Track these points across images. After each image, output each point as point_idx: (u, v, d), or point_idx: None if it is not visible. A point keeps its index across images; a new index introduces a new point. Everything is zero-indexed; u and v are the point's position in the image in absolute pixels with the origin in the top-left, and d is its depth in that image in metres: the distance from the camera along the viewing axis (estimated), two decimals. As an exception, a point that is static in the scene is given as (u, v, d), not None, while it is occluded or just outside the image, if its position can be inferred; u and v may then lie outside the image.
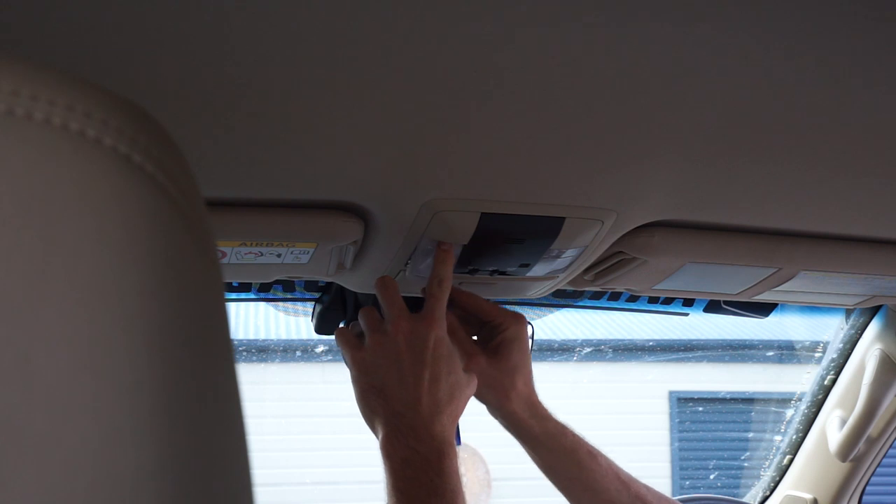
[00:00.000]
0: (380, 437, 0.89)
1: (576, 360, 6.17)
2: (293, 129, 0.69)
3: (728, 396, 6.36)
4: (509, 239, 0.90)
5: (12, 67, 0.23)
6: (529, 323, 1.06)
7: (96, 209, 0.23)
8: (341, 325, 1.02)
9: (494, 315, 1.03)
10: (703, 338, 6.24)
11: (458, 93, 0.64)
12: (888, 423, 1.48)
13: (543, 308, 1.50)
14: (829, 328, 1.57)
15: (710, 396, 6.36)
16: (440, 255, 0.92)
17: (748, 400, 6.26)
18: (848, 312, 1.52)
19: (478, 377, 0.97)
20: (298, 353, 6.09)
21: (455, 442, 0.90)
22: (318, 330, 1.26)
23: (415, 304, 0.96)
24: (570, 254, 0.95)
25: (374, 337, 0.92)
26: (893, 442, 1.52)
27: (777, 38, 0.58)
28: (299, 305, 1.36)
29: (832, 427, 1.53)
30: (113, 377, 0.22)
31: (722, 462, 6.13)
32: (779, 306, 1.30)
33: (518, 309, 1.23)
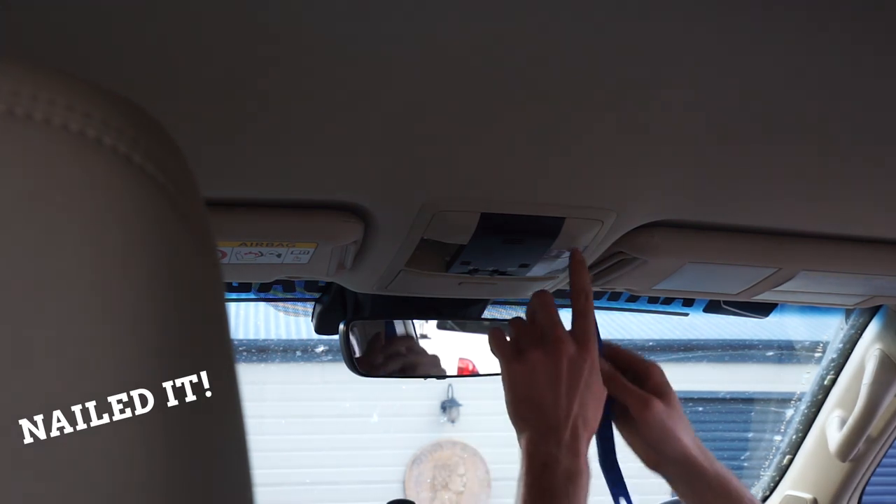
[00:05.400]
0: (524, 439, 0.94)
1: (576, 360, 6.16)
2: (293, 130, 0.69)
3: (728, 396, 6.36)
4: (509, 239, 0.90)
5: (12, 68, 0.23)
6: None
7: (96, 209, 0.23)
8: (495, 328, 1.02)
9: (637, 362, 1.04)
10: (703, 338, 6.24)
11: (457, 94, 0.64)
12: (888, 423, 1.48)
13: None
14: (829, 328, 1.57)
15: (709, 396, 6.36)
16: (576, 265, 0.94)
17: (748, 400, 6.26)
18: (848, 312, 1.52)
19: (655, 422, 0.99)
20: (298, 353, 6.09)
21: (588, 465, 0.93)
22: (318, 330, 1.26)
23: (415, 305, 0.96)
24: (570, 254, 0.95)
25: (536, 354, 0.94)
26: (893, 442, 1.52)
27: (776, 38, 0.58)
28: (299, 305, 1.36)
29: (832, 427, 1.53)
30: (112, 377, 0.22)
31: (722, 462, 6.13)
32: (779, 306, 1.30)
33: (518, 309, 1.23)
